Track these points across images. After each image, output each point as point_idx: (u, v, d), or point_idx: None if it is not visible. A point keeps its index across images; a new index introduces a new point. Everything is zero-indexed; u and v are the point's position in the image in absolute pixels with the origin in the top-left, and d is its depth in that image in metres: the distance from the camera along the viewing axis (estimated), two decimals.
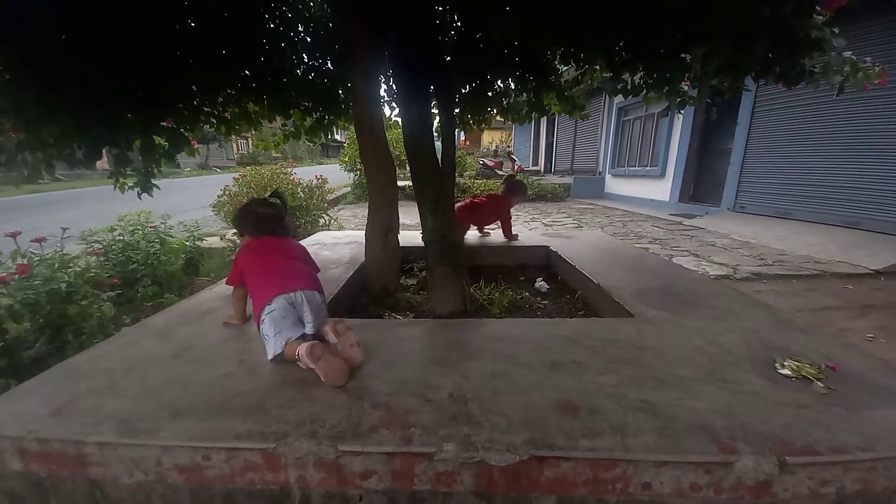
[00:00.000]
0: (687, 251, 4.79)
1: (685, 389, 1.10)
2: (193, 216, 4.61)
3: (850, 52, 1.96)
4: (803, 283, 3.56)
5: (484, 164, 14.31)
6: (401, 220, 2.38)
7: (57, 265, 2.18)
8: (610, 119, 11.01)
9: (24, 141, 1.67)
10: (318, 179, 5.46)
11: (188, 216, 4.36)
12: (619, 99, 9.45)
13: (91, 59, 1.60)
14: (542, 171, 16.33)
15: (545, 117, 12.11)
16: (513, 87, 2.73)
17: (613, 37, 2.01)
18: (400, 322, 1.87)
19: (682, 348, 1.35)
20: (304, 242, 3.13)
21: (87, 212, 8.05)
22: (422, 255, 2.05)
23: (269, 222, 1.50)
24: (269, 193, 1.64)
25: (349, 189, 10.56)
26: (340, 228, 5.35)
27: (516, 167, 14.68)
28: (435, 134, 1.98)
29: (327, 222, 5.37)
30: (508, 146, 20.95)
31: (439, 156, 1.87)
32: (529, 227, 6.49)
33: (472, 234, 3.23)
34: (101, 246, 2.95)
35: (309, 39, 2.47)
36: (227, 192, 5.25)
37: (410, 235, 2.73)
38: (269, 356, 1.25)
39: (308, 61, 2.54)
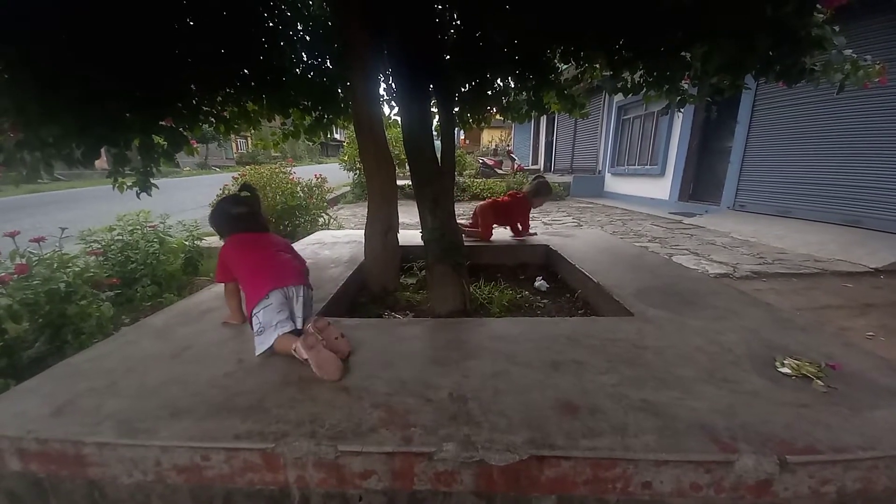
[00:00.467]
0: (687, 250, 4.79)
1: (685, 389, 1.10)
2: (193, 216, 4.60)
3: (851, 51, 1.95)
4: (803, 282, 3.56)
5: (483, 163, 14.30)
6: (400, 219, 2.38)
7: (56, 265, 2.18)
8: (610, 117, 11.00)
9: (23, 140, 1.67)
10: (318, 178, 5.46)
11: (187, 216, 4.35)
12: (618, 97, 9.46)
13: (91, 59, 1.59)
14: (542, 169, 16.31)
15: (545, 116, 12.11)
16: (512, 86, 2.72)
17: (613, 35, 2.01)
18: (399, 321, 1.87)
19: (682, 347, 1.34)
20: (303, 241, 3.13)
21: (86, 212, 8.04)
22: (421, 255, 2.04)
23: (244, 219, 1.49)
24: (238, 188, 1.60)
25: (349, 188, 10.56)
26: (340, 227, 5.35)
27: (516, 166, 14.67)
28: (434, 133, 1.98)
29: (327, 221, 5.37)
30: (508, 145, 20.95)
31: (439, 155, 1.87)
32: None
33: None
34: (100, 246, 2.95)
35: (308, 38, 2.46)
36: (226, 192, 5.24)
37: (410, 234, 2.73)
38: (258, 351, 1.26)
39: (307, 60, 2.54)
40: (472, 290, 2.08)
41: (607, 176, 11.31)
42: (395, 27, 1.78)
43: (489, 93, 2.64)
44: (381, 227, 2.21)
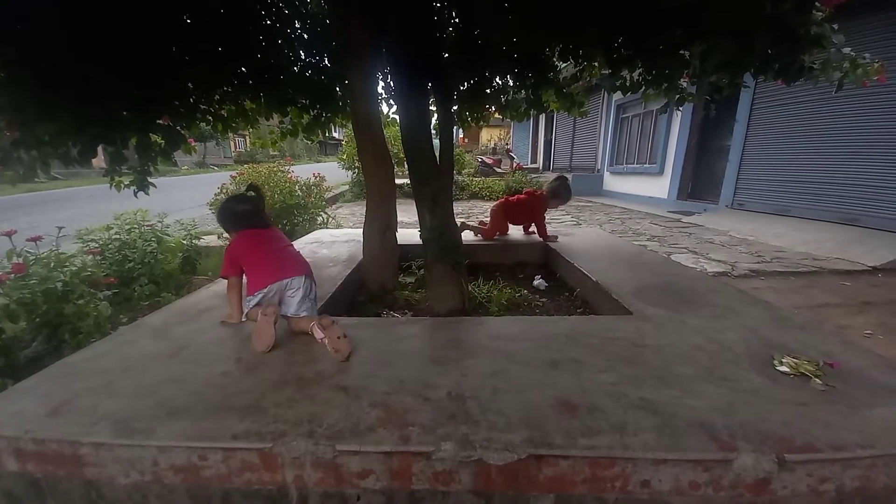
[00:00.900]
0: (685, 248, 4.79)
1: (684, 387, 1.10)
2: (191, 214, 4.59)
3: (850, 49, 1.95)
4: (801, 280, 3.57)
5: (482, 162, 14.30)
6: (399, 218, 2.37)
7: (53, 264, 2.17)
8: (609, 116, 11.00)
9: (20, 139, 1.66)
10: (316, 177, 5.44)
11: (185, 215, 4.35)
12: (617, 96, 9.46)
13: (90, 59, 1.59)
14: (541, 168, 16.31)
15: (544, 114, 12.11)
16: (511, 84, 2.72)
17: (612, 33, 2.00)
18: (398, 320, 1.87)
19: (680, 346, 1.34)
20: (301, 240, 3.13)
21: (83, 210, 8.01)
22: (420, 253, 2.04)
23: (249, 216, 1.57)
24: (245, 188, 1.70)
25: (347, 187, 10.54)
26: (338, 226, 5.34)
27: (515, 164, 14.66)
28: (433, 131, 1.97)
29: (325, 220, 5.36)
30: (507, 143, 20.92)
31: (437, 153, 1.86)
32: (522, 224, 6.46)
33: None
34: (97, 245, 2.93)
35: (306, 36, 2.46)
36: (224, 191, 5.22)
37: (409, 233, 2.72)
38: (243, 317, 1.41)
39: (305, 58, 2.53)
40: (470, 288, 2.08)
41: (606, 174, 11.31)
42: (393, 25, 1.77)
43: (488, 91, 2.64)
44: (380, 225, 2.21)
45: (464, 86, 2.54)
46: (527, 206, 3.02)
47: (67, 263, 2.25)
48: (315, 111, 2.73)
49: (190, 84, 2.09)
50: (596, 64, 2.41)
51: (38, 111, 1.58)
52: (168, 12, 1.80)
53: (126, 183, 2.14)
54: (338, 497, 0.95)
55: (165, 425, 0.97)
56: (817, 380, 1.12)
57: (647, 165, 9.41)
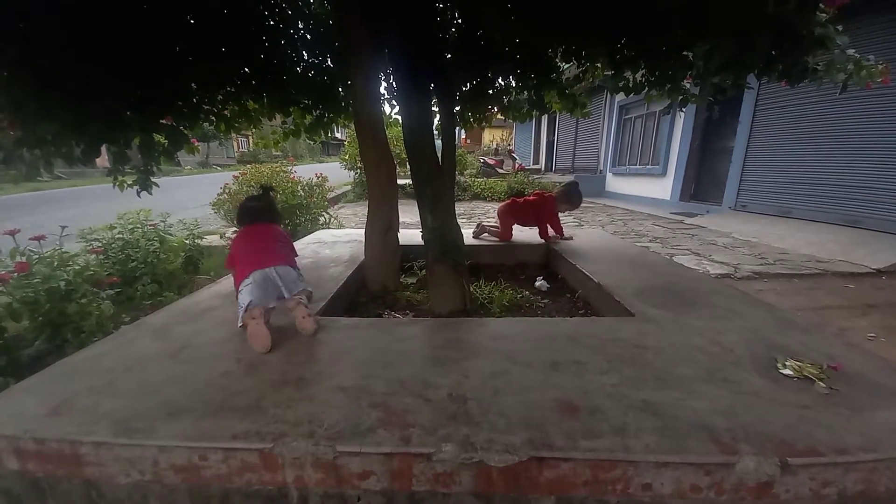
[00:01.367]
0: (688, 250, 4.78)
1: (686, 389, 1.09)
2: (193, 214, 4.61)
3: (854, 50, 1.94)
4: (805, 283, 3.55)
5: (484, 163, 14.30)
6: (401, 219, 2.37)
7: (56, 263, 2.17)
8: (611, 117, 10.99)
9: (22, 138, 1.66)
10: (319, 177, 5.45)
11: (188, 214, 4.36)
12: (620, 97, 9.46)
13: (90, 58, 1.59)
14: (543, 169, 16.31)
15: (546, 115, 12.11)
16: (514, 85, 2.71)
17: (615, 34, 2.00)
18: (399, 321, 1.87)
19: (682, 348, 1.34)
20: (303, 240, 3.13)
21: (86, 210, 8.04)
22: (422, 254, 2.04)
23: (252, 213, 1.70)
24: (259, 188, 1.86)
25: (349, 187, 10.55)
26: (340, 227, 5.34)
27: (517, 165, 14.66)
28: (435, 132, 1.97)
29: (327, 220, 5.36)
30: (509, 144, 20.93)
31: (439, 154, 1.86)
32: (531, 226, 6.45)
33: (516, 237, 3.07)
34: (100, 244, 2.94)
35: (309, 37, 2.46)
36: (226, 191, 5.24)
37: (410, 234, 2.72)
38: (239, 323, 1.41)
39: (308, 59, 2.53)
40: (472, 289, 2.07)
41: (608, 176, 11.29)
42: (395, 26, 1.77)
43: (490, 92, 2.64)
44: (382, 226, 2.21)
45: (466, 86, 2.54)
46: (535, 207, 2.98)
47: (70, 263, 2.26)
48: (317, 111, 2.73)
49: (193, 84, 2.10)
50: (599, 65, 2.40)
51: (38, 109, 1.58)
52: (169, 12, 1.81)
53: (129, 182, 2.15)
54: (338, 498, 0.94)
55: (166, 425, 0.97)
56: (821, 383, 1.11)
57: (649, 167, 9.39)
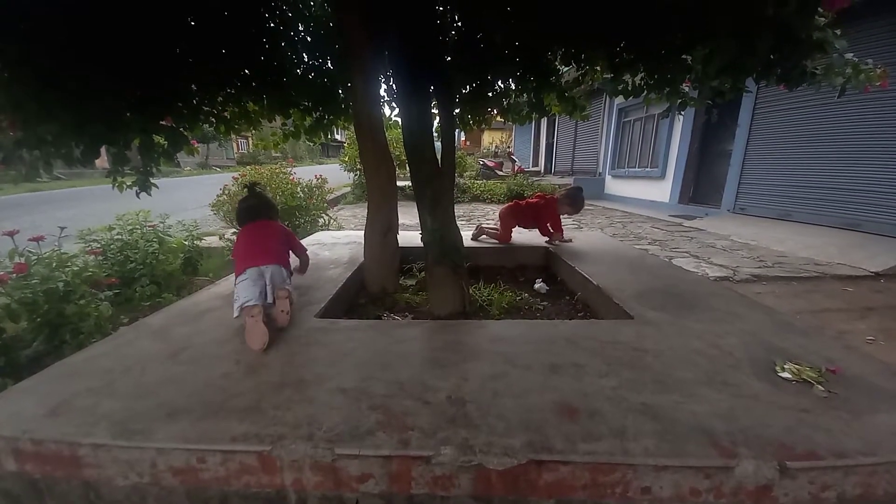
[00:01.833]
0: (687, 253, 4.78)
1: (685, 392, 1.09)
2: (192, 215, 4.60)
3: (852, 54, 1.95)
4: (803, 286, 3.56)
5: (484, 165, 14.32)
6: (400, 220, 2.37)
7: (55, 264, 2.17)
8: (610, 120, 11.01)
9: (22, 138, 1.66)
10: (318, 179, 5.45)
11: (187, 215, 4.35)
12: (619, 100, 9.44)
13: (91, 58, 1.59)
14: (542, 171, 16.33)
15: (545, 118, 12.13)
16: (513, 88, 2.72)
17: (614, 37, 2.00)
18: (398, 323, 1.86)
19: (681, 351, 1.34)
20: (303, 242, 3.12)
21: (85, 210, 8.04)
22: (421, 256, 2.04)
23: (249, 211, 1.82)
24: (245, 186, 2.02)
25: (349, 189, 10.56)
26: (340, 228, 5.34)
27: (516, 168, 14.68)
28: (435, 134, 1.98)
29: (327, 222, 5.36)
30: (508, 147, 20.94)
31: (439, 156, 1.86)
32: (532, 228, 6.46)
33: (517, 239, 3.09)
34: (99, 245, 2.94)
35: (309, 39, 2.46)
36: (226, 192, 5.24)
37: (410, 235, 2.72)
38: (234, 314, 1.47)
39: (308, 60, 2.53)
40: (471, 291, 2.07)
41: (607, 178, 11.32)
42: (395, 28, 1.78)
43: (490, 94, 2.64)
44: (381, 227, 2.21)
45: (466, 89, 2.54)
46: (537, 209, 3.00)
47: (69, 263, 2.25)
48: (317, 113, 2.74)
49: (193, 86, 2.10)
50: (598, 68, 2.41)
51: (38, 110, 1.58)
52: (170, 13, 1.81)
53: (128, 183, 2.15)
54: (337, 501, 0.94)
55: (165, 427, 0.97)
56: (819, 386, 1.12)
57: (648, 169, 9.41)
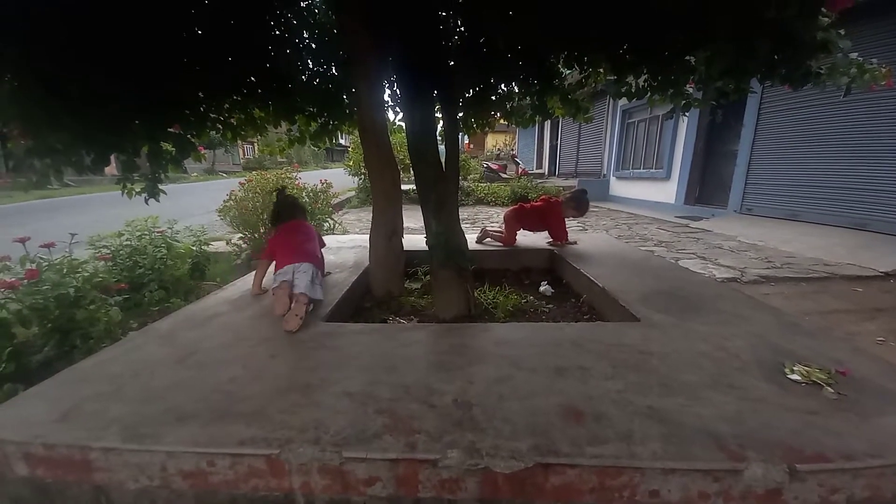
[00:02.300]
0: (693, 254, 4.75)
1: (692, 395, 1.09)
2: (200, 221, 4.65)
3: (857, 54, 1.94)
4: (811, 286, 3.52)
5: (488, 168, 14.33)
6: (405, 224, 2.38)
7: (65, 270, 2.20)
8: (614, 121, 10.99)
9: (33, 147, 1.69)
10: (323, 184, 5.47)
11: (194, 221, 4.40)
12: (623, 101, 9.42)
13: (90, 60, 1.59)
14: (546, 173, 16.31)
15: (549, 120, 12.12)
16: (516, 91, 2.73)
17: (616, 40, 2.01)
18: (404, 326, 1.87)
19: (688, 353, 1.33)
20: None
21: (95, 217, 8.13)
22: (426, 259, 2.05)
23: (281, 214, 2.12)
24: (275, 191, 2.28)
25: (353, 193, 10.60)
26: (345, 232, 5.37)
27: (520, 170, 14.67)
28: (439, 138, 1.99)
29: (332, 226, 5.38)
30: (512, 149, 20.96)
31: (443, 159, 1.87)
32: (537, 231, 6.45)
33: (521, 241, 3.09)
34: (108, 251, 2.97)
35: (314, 45, 2.48)
36: (233, 197, 5.27)
37: (415, 239, 2.73)
38: (272, 287, 1.79)
39: (313, 67, 2.56)
40: (476, 294, 2.08)
41: (612, 179, 11.28)
42: (399, 34, 1.79)
43: (493, 98, 2.65)
44: (386, 231, 2.22)
45: (469, 92, 2.55)
46: (542, 212, 3.00)
47: (79, 269, 2.28)
48: (322, 119, 2.76)
49: (200, 93, 2.13)
50: (601, 70, 2.41)
51: (46, 118, 1.59)
52: (174, 19, 1.82)
53: (137, 190, 2.18)
54: None
55: (174, 431, 0.98)
56: (829, 388, 1.11)
57: (653, 170, 9.37)
